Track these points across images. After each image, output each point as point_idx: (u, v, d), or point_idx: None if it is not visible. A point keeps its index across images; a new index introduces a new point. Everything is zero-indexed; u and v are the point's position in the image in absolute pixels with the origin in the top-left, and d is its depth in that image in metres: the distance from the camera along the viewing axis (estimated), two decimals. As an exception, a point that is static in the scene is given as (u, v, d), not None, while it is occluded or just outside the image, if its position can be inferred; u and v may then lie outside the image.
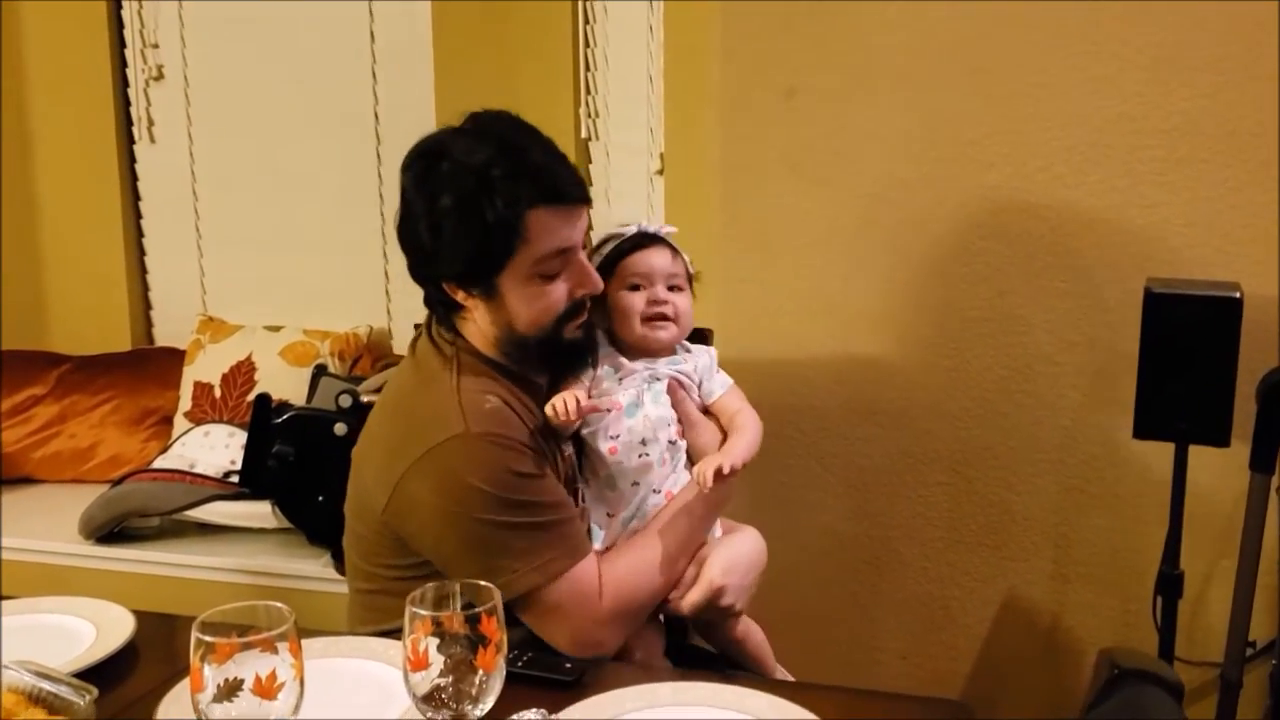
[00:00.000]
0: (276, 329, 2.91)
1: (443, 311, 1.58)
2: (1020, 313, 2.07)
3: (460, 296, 1.52)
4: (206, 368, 2.91)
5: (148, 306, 3.15)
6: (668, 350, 1.63)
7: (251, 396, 2.82)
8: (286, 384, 2.81)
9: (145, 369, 3.01)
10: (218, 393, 2.87)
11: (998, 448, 2.12)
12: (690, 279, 1.65)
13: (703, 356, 1.67)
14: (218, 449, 2.73)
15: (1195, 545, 1.97)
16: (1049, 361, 2.07)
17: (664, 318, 1.59)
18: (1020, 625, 2.17)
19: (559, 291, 1.52)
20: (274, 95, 2.91)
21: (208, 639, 0.98)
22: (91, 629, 1.48)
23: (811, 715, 1.22)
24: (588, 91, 2.52)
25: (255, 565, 2.48)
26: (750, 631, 1.68)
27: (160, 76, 3.01)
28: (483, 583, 1.09)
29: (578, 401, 1.49)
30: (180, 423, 2.91)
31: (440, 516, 1.47)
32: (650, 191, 2.39)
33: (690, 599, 1.56)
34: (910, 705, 1.36)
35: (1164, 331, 1.77)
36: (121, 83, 3.03)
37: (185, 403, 2.91)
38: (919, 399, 2.14)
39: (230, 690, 0.98)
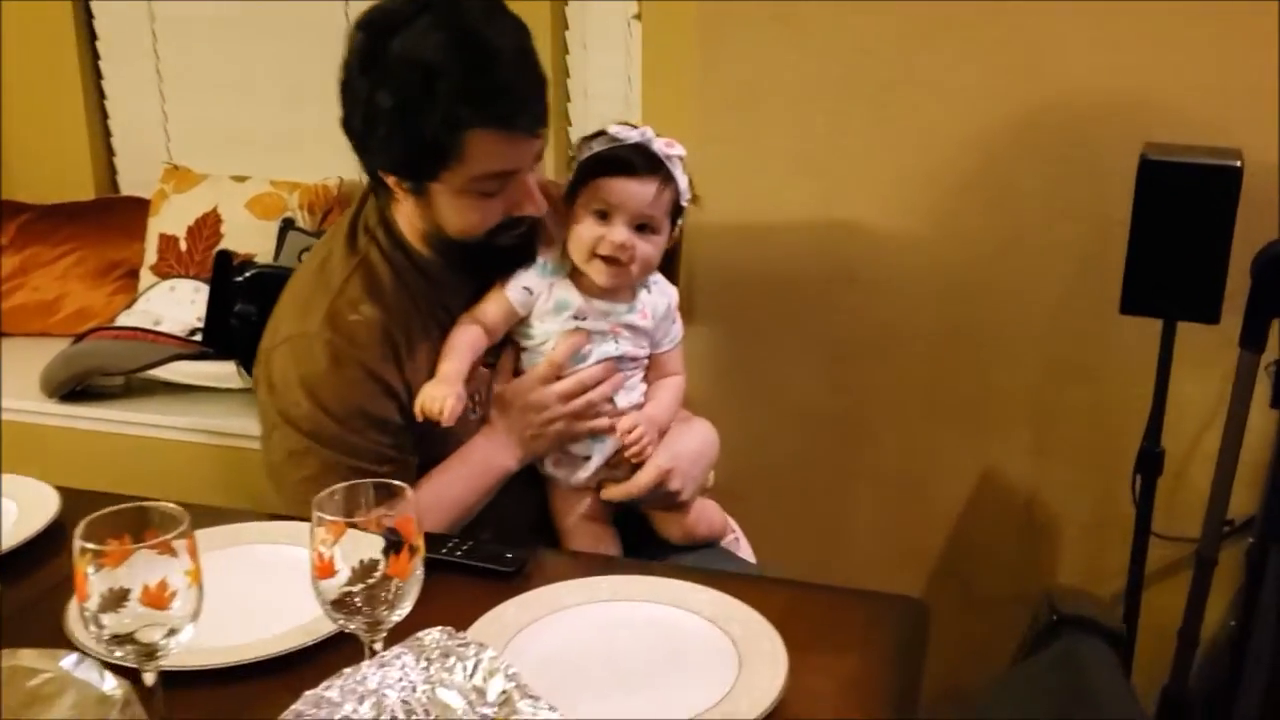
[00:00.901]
0: (243, 179, 2.80)
1: (376, 190, 1.49)
2: (1011, 179, 1.96)
3: (391, 182, 1.43)
4: (172, 219, 2.80)
5: (110, 153, 3.03)
6: (617, 292, 1.49)
7: (217, 251, 2.74)
8: (253, 238, 2.71)
9: (109, 220, 2.91)
10: (183, 246, 2.78)
11: (982, 320, 2.03)
12: (678, 210, 1.50)
13: (661, 301, 1.54)
14: (184, 305, 2.65)
15: (1178, 423, 1.90)
16: (1039, 231, 1.97)
17: (615, 262, 1.43)
18: (997, 501, 2.12)
19: (494, 208, 1.42)
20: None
21: (92, 546, 0.91)
22: (13, 507, 1.41)
23: (754, 612, 1.16)
24: (563, -73, 2.35)
25: (220, 425, 2.42)
26: (702, 521, 1.61)
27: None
28: (397, 483, 1.02)
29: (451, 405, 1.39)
30: (146, 277, 2.82)
31: (264, 410, 1.46)
32: (629, 38, 2.24)
33: (638, 480, 1.50)
34: (863, 601, 1.29)
35: (1158, 201, 1.65)
36: (74, -86, 2.85)
37: (151, 256, 2.81)
38: (902, 268, 2.04)
39: (117, 600, 0.91)
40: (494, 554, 1.30)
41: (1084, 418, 2.02)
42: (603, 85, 2.35)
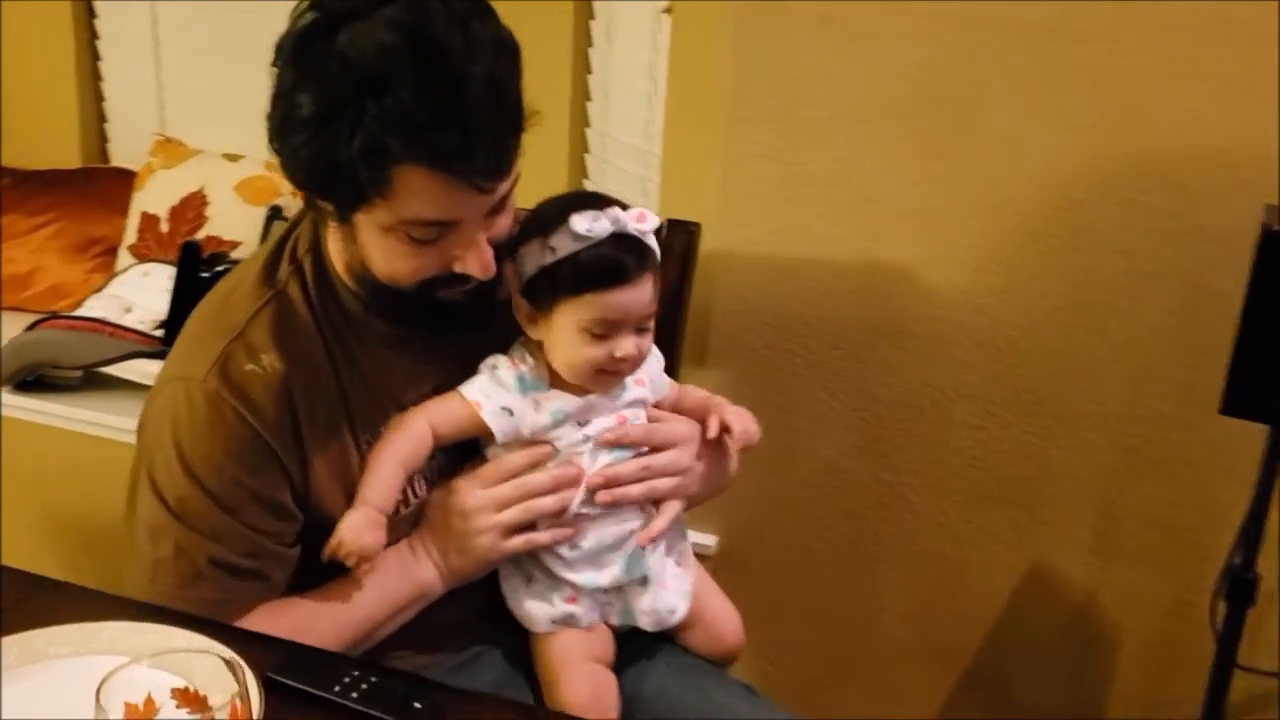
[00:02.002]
0: (236, 158, 2.55)
1: (310, 206, 1.17)
2: (1090, 229, 1.64)
3: (319, 205, 1.13)
4: (156, 196, 2.56)
5: (102, 119, 2.79)
6: None
7: (202, 235, 2.49)
8: (238, 224, 2.47)
9: (92, 191, 2.67)
10: (164, 227, 2.53)
11: (1043, 390, 1.72)
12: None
13: (653, 363, 1.30)
14: (157, 292, 2.40)
15: (1270, 538, 1.58)
16: (1122, 293, 1.65)
17: (620, 373, 1.22)
18: (1047, 601, 1.81)
19: (428, 259, 1.11)
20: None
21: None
22: None
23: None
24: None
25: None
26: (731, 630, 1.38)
27: None
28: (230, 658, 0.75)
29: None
30: (124, 257, 2.58)
31: (140, 458, 1.18)
32: (657, 33, 1.95)
33: (659, 523, 1.25)
34: None
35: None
36: None
37: (130, 235, 2.57)
38: (954, 322, 1.74)
39: None
40: (399, 699, 1.02)
41: (1157, 518, 1.71)
42: (626, 83, 2.06)
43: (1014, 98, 1.63)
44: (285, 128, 1.05)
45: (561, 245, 1.15)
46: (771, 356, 1.85)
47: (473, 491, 1.20)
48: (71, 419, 2.25)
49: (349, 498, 1.19)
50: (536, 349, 1.22)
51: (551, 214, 1.17)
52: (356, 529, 1.15)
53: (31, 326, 2.28)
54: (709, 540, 1.94)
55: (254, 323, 1.16)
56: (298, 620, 1.18)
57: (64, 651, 1.05)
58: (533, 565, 1.25)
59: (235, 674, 0.74)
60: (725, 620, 1.39)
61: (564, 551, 1.23)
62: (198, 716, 0.72)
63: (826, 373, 1.83)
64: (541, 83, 2.11)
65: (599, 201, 1.18)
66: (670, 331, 1.61)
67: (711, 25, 1.78)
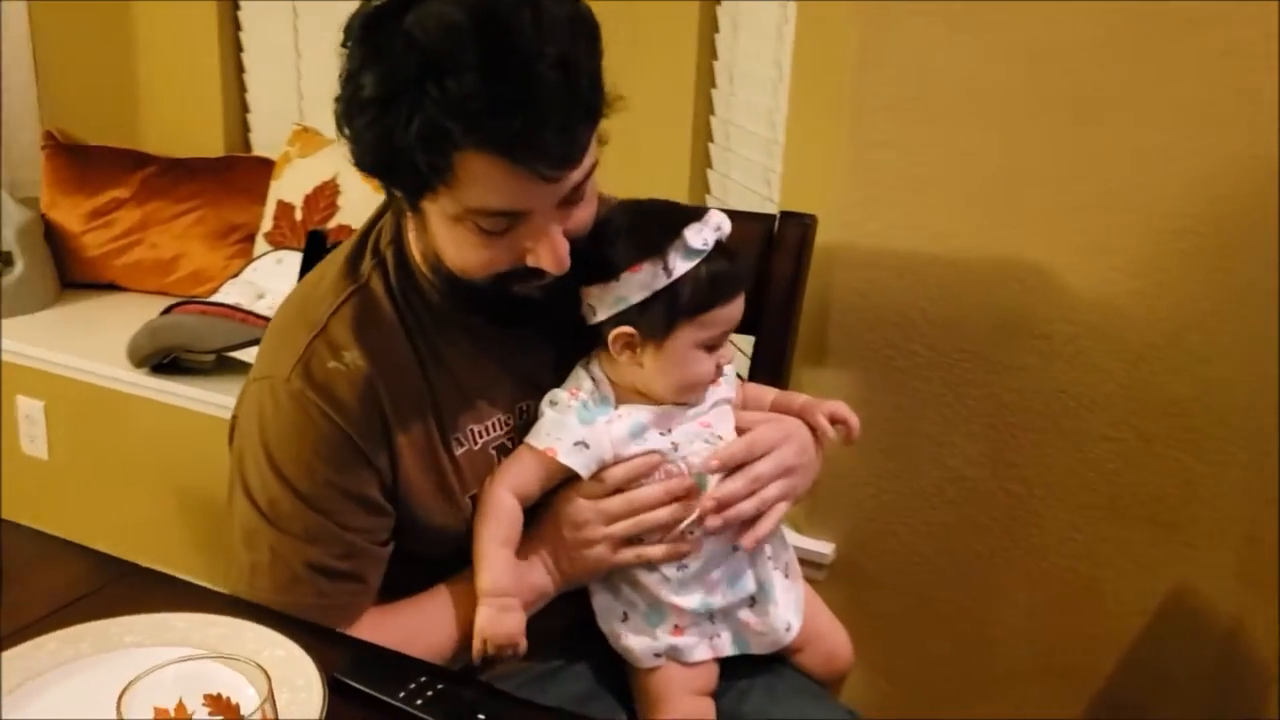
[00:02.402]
0: (368, 147, 2.56)
1: (390, 195, 1.14)
2: (1242, 229, 1.50)
3: (396, 195, 1.10)
4: (292, 185, 2.60)
5: (245, 109, 2.85)
6: None
7: (333, 224, 2.52)
8: (369, 213, 2.47)
9: (233, 179, 2.74)
10: (298, 215, 2.57)
11: (1188, 401, 1.59)
12: None
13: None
14: (289, 279, 2.42)
15: None
16: (1275, 298, 1.51)
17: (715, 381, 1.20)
18: (1188, 629, 1.68)
19: (499, 251, 1.06)
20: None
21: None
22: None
23: None
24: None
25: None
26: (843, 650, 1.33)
27: None
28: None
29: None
30: (260, 244, 2.63)
31: (233, 460, 1.17)
32: (783, 20, 1.87)
33: (763, 527, 1.18)
34: None
35: None
36: None
37: (267, 222, 2.62)
38: (1090, 325, 1.62)
39: None
40: (464, 707, 0.98)
41: (1315, 544, 1.56)
42: (750, 69, 1.99)
43: (1153, 88, 1.50)
44: (350, 110, 1.02)
45: (678, 264, 1.10)
46: (894, 356, 1.76)
47: (583, 503, 1.16)
48: (203, 401, 2.30)
49: (438, 495, 1.17)
50: (596, 369, 1.18)
51: (651, 232, 1.11)
52: (493, 623, 1.12)
53: (166, 311, 2.34)
54: (825, 548, 1.86)
55: (336, 318, 1.14)
56: (410, 627, 1.17)
57: (139, 641, 1.04)
58: (634, 593, 1.20)
59: (262, 680, 0.71)
60: (836, 637, 1.33)
61: (669, 572, 1.17)
62: (224, 722, 0.69)
63: (952, 375, 1.73)
64: (666, 70, 2.09)
65: (681, 209, 1.14)
66: (783, 328, 1.53)
67: (837, 12, 1.70)
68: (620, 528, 1.15)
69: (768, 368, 1.51)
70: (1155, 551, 1.66)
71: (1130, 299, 1.59)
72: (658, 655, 1.20)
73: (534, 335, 1.20)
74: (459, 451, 1.17)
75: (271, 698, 0.70)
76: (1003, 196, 1.62)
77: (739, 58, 2.01)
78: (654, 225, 1.12)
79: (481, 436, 1.19)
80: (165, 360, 2.33)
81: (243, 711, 0.69)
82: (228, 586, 1.18)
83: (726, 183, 2.07)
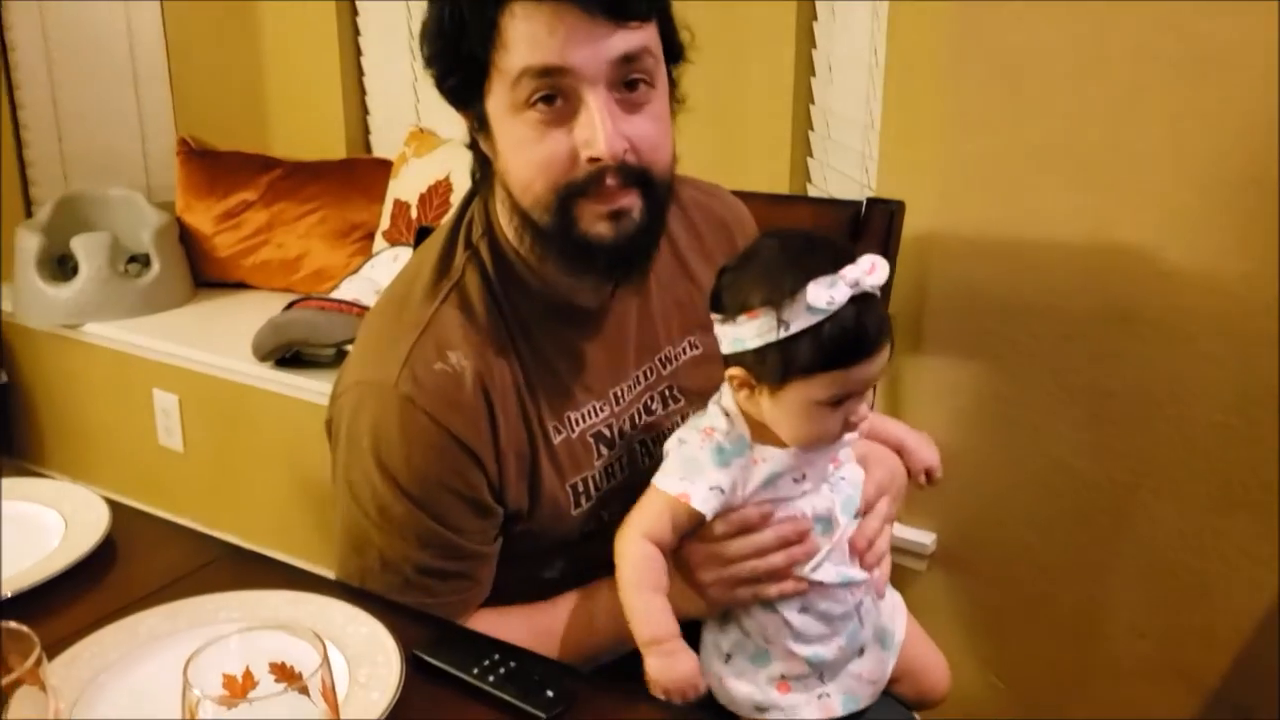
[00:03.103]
0: (480, 146, 2.63)
1: (478, 169, 1.15)
2: (1362, 205, 1.44)
3: (477, 137, 1.11)
4: (407, 184, 2.68)
5: (365, 112, 2.94)
6: None
7: (444, 221, 2.58)
8: (479, 209, 2.55)
9: (353, 180, 2.83)
10: (414, 213, 2.64)
11: (1305, 387, 1.53)
12: None
13: None
14: (405, 276, 2.51)
15: None
16: (1398, 278, 1.44)
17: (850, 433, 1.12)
18: (1305, 624, 1.61)
19: (555, 144, 1.03)
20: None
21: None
22: (59, 520, 1.26)
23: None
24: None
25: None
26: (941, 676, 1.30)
27: None
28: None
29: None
30: (379, 241, 2.72)
31: (337, 465, 1.16)
32: (875, 11, 1.86)
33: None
34: None
35: None
36: None
37: (384, 221, 2.70)
38: (1196, 309, 1.57)
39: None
40: (534, 684, 1.01)
41: None
42: (848, 56, 1.98)
43: (1263, 59, 1.44)
44: (423, 39, 1.09)
45: (796, 319, 1.01)
46: (994, 344, 1.73)
47: (699, 546, 1.13)
48: (323, 393, 2.37)
49: (539, 485, 1.16)
50: (729, 402, 1.12)
51: (777, 278, 1.02)
52: (666, 670, 1.08)
53: (288, 307, 2.43)
54: (927, 538, 1.84)
55: (436, 318, 1.12)
56: (538, 630, 1.18)
57: (233, 617, 1.09)
58: (744, 629, 1.16)
59: (318, 647, 0.74)
60: (937, 673, 1.28)
61: (792, 618, 1.13)
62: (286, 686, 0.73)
63: (1055, 363, 1.69)
64: (767, 60, 2.09)
65: (822, 251, 1.03)
66: (872, 317, 1.53)
67: (932, -7, 1.68)
68: (735, 570, 1.12)
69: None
70: (1268, 545, 1.60)
71: (1239, 282, 1.53)
72: (760, 710, 1.15)
73: (626, 318, 1.21)
74: (557, 440, 1.17)
75: (327, 663, 0.73)
76: (1103, 180, 1.59)
77: (836, 45, 2.00)
78: (783, 271, 1.03)
79: (580, 424, 1.19)
80: (288, 354, 2.42)
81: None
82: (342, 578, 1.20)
83: (826, 170, 2.07)
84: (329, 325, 2.33)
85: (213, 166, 2.92)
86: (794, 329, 1.01)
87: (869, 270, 1.01)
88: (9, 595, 1.11)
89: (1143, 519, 1.69)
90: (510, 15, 1.01)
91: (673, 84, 1.12)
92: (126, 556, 1.22)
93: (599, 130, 1.02)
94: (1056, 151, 1.60)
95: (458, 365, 1.11)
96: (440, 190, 2.60)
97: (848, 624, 1.13)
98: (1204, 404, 1.60)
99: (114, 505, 1.28)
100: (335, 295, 2.43)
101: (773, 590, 1.12)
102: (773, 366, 1.04)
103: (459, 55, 1.05)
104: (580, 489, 1.18)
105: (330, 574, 1.21)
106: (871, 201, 1.51)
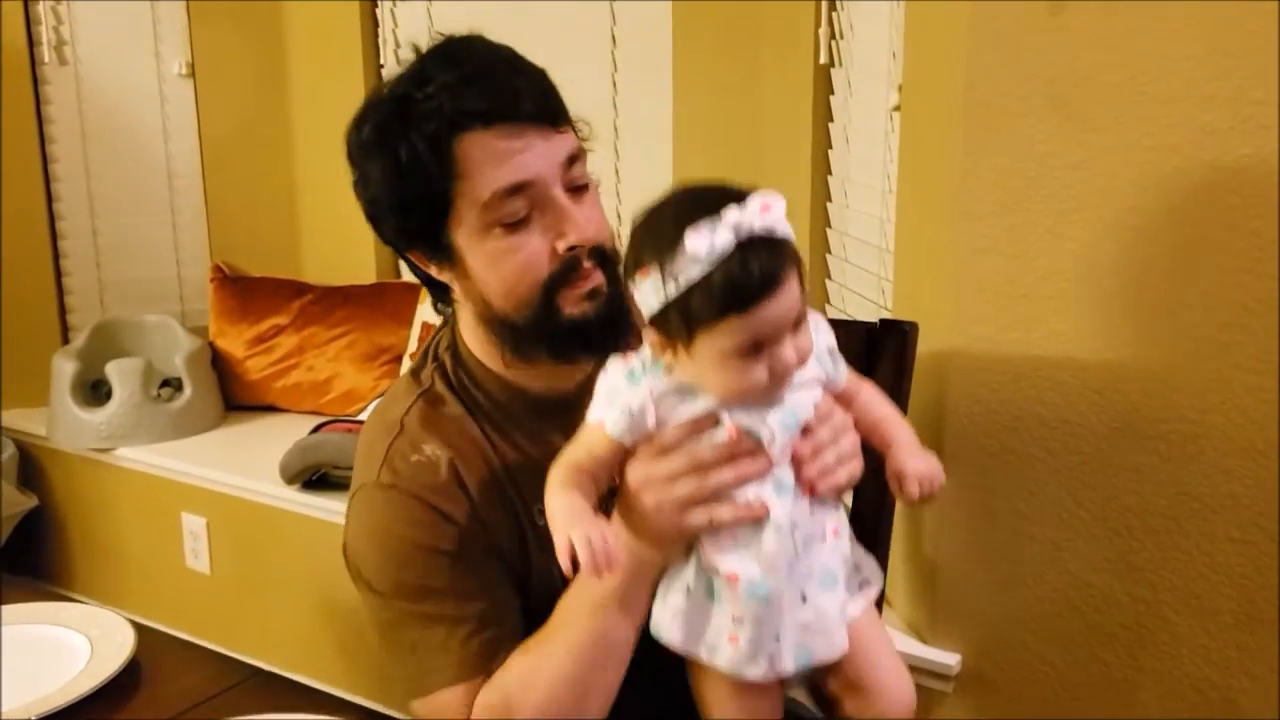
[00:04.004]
0: (505, 270, 2.69)
1: (436, 299, 1.28)
2: (1367, 321, 1.46)
3: (432, 270, 1.21)
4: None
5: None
6: None
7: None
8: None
9: (382, 304, 2.90)
10: (440, 336, 2.69)
11: (1321, 502, 1.53)
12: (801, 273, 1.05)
13: (821, 337, 1.14)
14: (431, 397, 2.56)
15: None
16: None
17: (784, 381, 1.07)
18: (1336, 743, 1.59)
19: (534, 246, 1.14)
20: (515, 25, 2.64)
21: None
22: (85, 643, 1.29)
23: None
24: (832, 8, 2.06)
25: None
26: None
27: (405, -5, 2.84)
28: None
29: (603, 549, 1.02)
30: (406, 364, 2.77)
31: (352, 577, 1.24)
32: (889, 130, 1.92)
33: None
34: None
35: None
36: (370, 3, 2.89)
37: (412, 343, 2.76)
38: (1210, 424, 1.58)
39: None
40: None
41: None
42: (862, 180, 2.03)
43: (1264, 180, 1.48)
44: (366, 173, 1.18)
45: (684, 271, 1.00)
46: (1011, 460, 1.74)
47: (638, 465, 1.10)
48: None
49: (527, 566, 1.22)
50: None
51: (663, 233, 1.01)
52: (577, 535, 1.02)
53: (315, 430, 2.48)
54: (951, 659, 1.83)
55: (409, 418, 1.23)
56: (532, 661, 1.18)
57: (256, 741, 1.11)
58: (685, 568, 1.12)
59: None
60: (896, 686, 1.19)
61: (725, 542, 1.09)
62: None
63: (1070, 479, 1.70)
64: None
65: (709, 199, 1.01)
66: (888, 435, 1.55)
67: (940, 118, 1.74)
68: (681, 489, 1.08)
69: (875, 477, 1.52)
70: (1295, 660, 1.59)
71: (1251, 396, 1.55)
72: (708, 649, 1.11)
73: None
74: (542, 523, 1.18)
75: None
76: (1115, 297, 1.62)
77: (851, 170, 2.06)
78: (669, 223, 1.01)
79: None
80: (314, 477, 2.46)
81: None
82: (398, 692, 1.23)
83: (844, 292, 2.11)
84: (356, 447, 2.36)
85: (245, 292, 3.00)
86: (684, 282, 1.00)
87: (759, 211, 1.00)
88: (35, 719, 1.13)
89: (1164, 634, 1.68)
90: (464, 145, 1.11)
91: None
92: (151, 679, 1.25)
93: (573, 222, 1.13)
94: (1065, 271, 1.64)
95: (432, 455, 1.20)
96: (466, 313, 2.66)
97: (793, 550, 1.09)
98: (1221, 519, 1.60)
99: (139, 629, 1.31)
100: (362, 417, 2.47)
101: (725, 512, 1.08)
102: (676, 323, 1.03)
103: (421, 194, 1.13)
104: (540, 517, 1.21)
105: (352, 697, 1.24)
106: (885, 323, 1.54)
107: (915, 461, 1.16)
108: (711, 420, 1.08)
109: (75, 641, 1.29)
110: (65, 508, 3.08)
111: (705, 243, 0.98)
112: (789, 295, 1.02)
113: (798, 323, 1.05)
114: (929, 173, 1.78)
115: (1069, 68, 1.59)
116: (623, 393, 1.09)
